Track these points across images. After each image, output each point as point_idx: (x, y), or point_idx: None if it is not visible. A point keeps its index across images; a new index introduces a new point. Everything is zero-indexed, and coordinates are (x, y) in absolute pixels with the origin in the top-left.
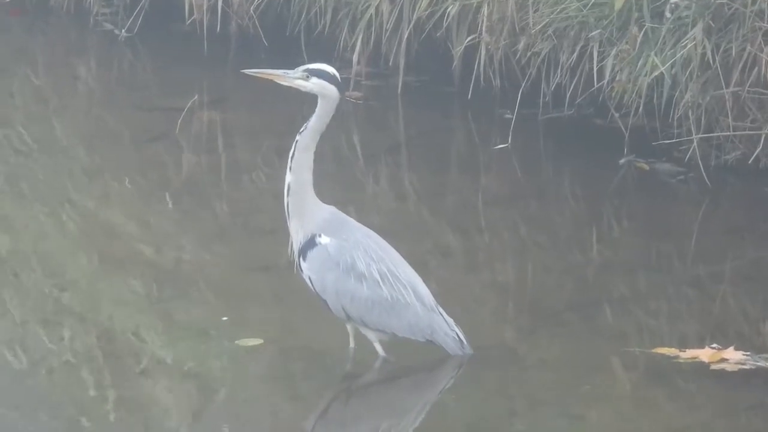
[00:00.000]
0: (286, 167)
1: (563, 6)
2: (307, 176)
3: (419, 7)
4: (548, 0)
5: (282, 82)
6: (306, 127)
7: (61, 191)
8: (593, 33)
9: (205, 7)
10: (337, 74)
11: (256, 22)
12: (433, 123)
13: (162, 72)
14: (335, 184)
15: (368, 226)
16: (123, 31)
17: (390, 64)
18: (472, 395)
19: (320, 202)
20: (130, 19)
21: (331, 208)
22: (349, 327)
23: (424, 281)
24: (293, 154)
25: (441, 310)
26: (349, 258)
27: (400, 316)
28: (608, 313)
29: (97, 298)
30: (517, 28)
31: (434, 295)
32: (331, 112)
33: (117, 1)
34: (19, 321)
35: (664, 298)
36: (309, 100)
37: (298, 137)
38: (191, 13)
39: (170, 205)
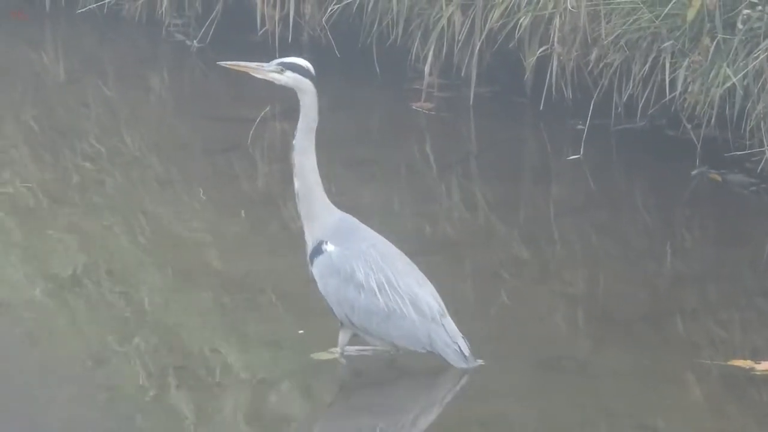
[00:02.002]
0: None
1: (635, 17)
2: (313, 179)
3: (491, 18)
4: (620, 11)
5: (257, 75)
6: (297, 130)
7: (133, 202)
8: (665, 44)
9: (277, 18)
10: (311, 68)
11: (328, 33)
12: (505, 134)
13: (234, 83)
14: (407, 195)
15: (440, 237)
16: (195, 41)
17: (462, 75)
18: (543, 405)
19: (332, 206)
20: (202, 30)
21: (342, 214)
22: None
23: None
24: (293, 160)
25: (446, 321)
26: (349, 267)
27: (398, 326)
28: (680, 324)
29: (170, 309)
30: (589, 39)
31: (504, 307)
32: (314, 106)
33: (189, 11)
34: (92, 333)
35: (736, 309)
36: (378, 110)
37: (293, 142)
38: (263, 24)
39: (242, 216)
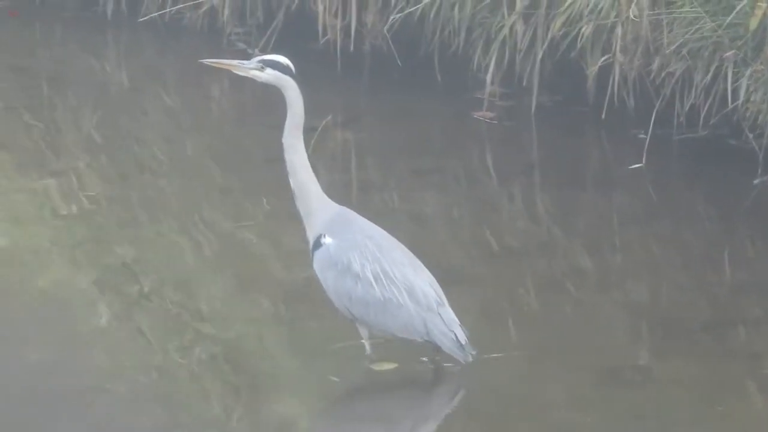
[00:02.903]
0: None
1: (698, 26)
2: (306, 176)
3: (553, 27)
4: (683, 20)
5: (238, 72)
6: (284, 127)
7: (194, 211)
8: (728, 53)
9: (338, 27)
10: (291, 65)
11: (390, 42)
12: (566, 143)
13: None
14: (469, 204)
15: (502, 246)
16: (256, 50)
17: (524, 84)
18: (605, 415)
19: (329, 200)
20: (263, 39)
21: (340, 208)
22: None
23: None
24: (285, 157)
25: (443, 310)
26: (346, 258)
27: (394, 316)
28: (742, 334)
29: (231, 318)
30: (651, 48)
31: (566, 316)
32: (297, 102)
33: (250, 20)
34: (153, 342)
35: None
36: (440, 119)
37: (282, 140)
38: (325, 33)
39: (303, 225)
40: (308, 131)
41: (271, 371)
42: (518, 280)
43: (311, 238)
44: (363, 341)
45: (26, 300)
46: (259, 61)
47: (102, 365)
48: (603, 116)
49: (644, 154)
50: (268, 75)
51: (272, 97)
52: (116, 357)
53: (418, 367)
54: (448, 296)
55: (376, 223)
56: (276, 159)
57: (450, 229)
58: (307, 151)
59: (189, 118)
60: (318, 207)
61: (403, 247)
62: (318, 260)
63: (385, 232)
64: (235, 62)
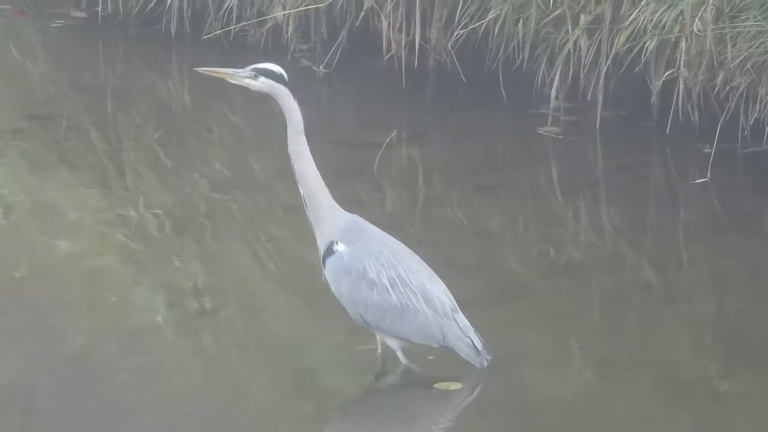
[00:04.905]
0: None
1: (761, 40)
2: (316, 183)
3: (618, 42)
4: (746, 34)
5: (232, 81)
6: (287, 137)
7: (258, 228)
8: None
9: (403, 43)
10: (285, 74)
11: (454, 58)
12: (631, 157)
13: (360, 107)
14: (534, 219)
15: (567, 261)
16: (321, 67)
17: (588, 98)
18: (671, 429)
19: (339, 209)
20: (328, 55)
21: (351, 216)
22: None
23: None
24: (293, 166)
25: (458, 316)
26: (361, 265)
27: (411, 322)
28: None
29: (297, 334)
30: (715, 63)
31: (632, 330)
32: (293, 109)
33: (314, 37)
34: (217, 356)
35: None
36: (504, 135)
37: (288, 150)
38: (389, 49)
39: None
40: (373, 147)
41: (338, 389)
42: (583, 295)
43: (322, 245)
44: (397, 353)
45: (91, 317)
46: (252, 70)
47: (168, 384)
48: (667, 131)
49: (709, 169)
50: (261, 83)
51: (337, 114)
52: (176, 370)
53: (483, 383)
54: (513, 311)
55: (441, 239)
56: (343, 176)
57: (515, 244)
58: (372, 167)
59: (254, 135)
60: (328, 214)
61: (415, 255)
62: (331, 267)
63: (397, 241)
64: (229, 71)
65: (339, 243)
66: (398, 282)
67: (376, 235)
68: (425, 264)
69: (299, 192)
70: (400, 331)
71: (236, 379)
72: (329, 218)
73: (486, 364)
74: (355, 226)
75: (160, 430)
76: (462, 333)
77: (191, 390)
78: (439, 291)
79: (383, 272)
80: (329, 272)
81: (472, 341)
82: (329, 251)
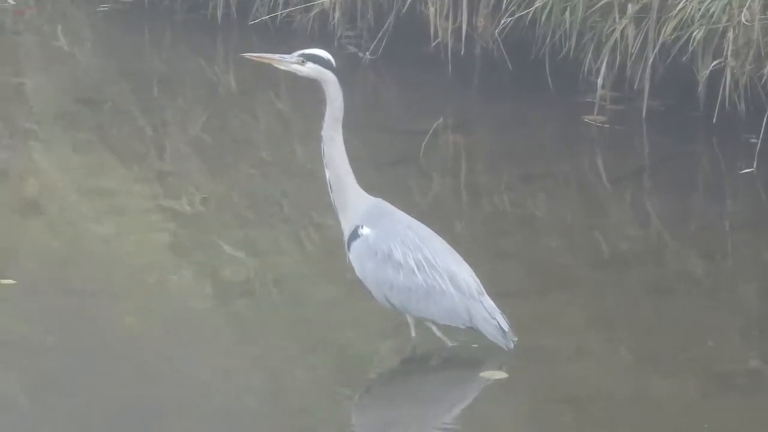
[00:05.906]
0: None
1: None
2: (343, 168)
3: (665, 31)
4: None
5: (279, 67)
6: (323, 120)
7: (303, 214)
8: None
9: (449, 30)
10: (332, 59)
11: (501, 45)
12: (677, 147)
13: (406, 94)
14: (580, 208)
15: (612, 251)
16: (367, 53)
17: (635, 88)
18: (713, 420)
19: (364, 193)
20: (374, 42)
21: (376, 200)
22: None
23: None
24: (323, 150)
25: (484, 298)
26: (386, 247)
27: (437, 302)
28: None
29: (338, 322)
30: (762, 53)
31: (676, 321)
32: (338, 96)
33: (361, 23)
34: (260, 345)
35: None
36: (550, 123)
37: (321, 133)
38: (436, 36)
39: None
40: (419, 134)
41: (382, 377)
42: (628, 285)
43: (347, 229)
44: (438, 335)
45: (135, 302)
46: (300, 55)
47: (211, 365)
48: (714, 120)
49: (755, 159)
50: (309, 69)
51: (383, 100)
52: (219, 354)
53: (528, 374)
54: (559, 301)
55: (485, 227)
56: (388, 163)
57: (560, 233)
58: (417, 154)
59: (299, 121)
60: (354, 199)
61: (440, 238)
62: (356, 250)
63: (422, 224)
64: (276, 56)
65: (364, 227)
66: (425, 263)
67: (400, 218)
68: (450, 247)
69: (325, 175)
70: (426, 311)
71: (282, 360)
72: (354, 202)
73: (512, 346)
74: (379, 210)
75: (206, 409)
76: (488, 314)
77: (233, 371)
78: (465, 273)
79: (409, 254)
80: (354, 255)
81: (498, 323)
82: (354, 235)
